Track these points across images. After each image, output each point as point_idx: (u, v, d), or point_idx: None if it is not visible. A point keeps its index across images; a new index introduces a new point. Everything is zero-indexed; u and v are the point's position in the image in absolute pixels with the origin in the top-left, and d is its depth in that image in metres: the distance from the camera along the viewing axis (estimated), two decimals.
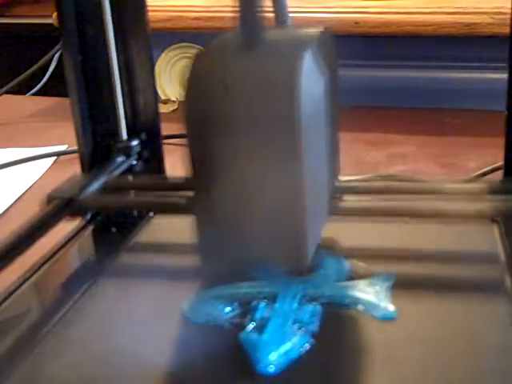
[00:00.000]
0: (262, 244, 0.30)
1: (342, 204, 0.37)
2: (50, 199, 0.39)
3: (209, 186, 0.30)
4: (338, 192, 0.37)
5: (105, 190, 0.42)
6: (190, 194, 0.37)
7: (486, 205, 0.37)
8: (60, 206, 0.39)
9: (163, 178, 0.45)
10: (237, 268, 0.34)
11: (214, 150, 0.29)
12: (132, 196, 0.42)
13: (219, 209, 0.30)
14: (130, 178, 0.44)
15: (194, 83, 0.29)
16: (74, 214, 0.40)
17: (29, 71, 0.81)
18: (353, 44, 0.75)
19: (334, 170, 0.37)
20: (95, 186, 0.41)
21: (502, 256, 0.36)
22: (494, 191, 0.38)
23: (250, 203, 0.30)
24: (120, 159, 0.44)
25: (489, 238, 0.38)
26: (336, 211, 0.36)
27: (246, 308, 0.32)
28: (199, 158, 0.30)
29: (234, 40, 0.30)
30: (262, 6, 0.29)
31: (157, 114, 0.45)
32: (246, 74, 0.29)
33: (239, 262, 0.32)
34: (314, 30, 0.32)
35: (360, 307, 0.32)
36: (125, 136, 0.45)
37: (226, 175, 0.30)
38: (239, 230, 0.30)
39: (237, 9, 0.29)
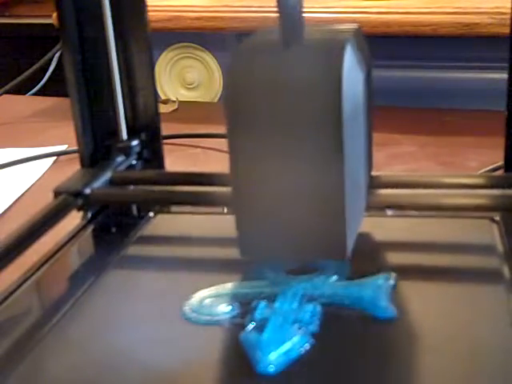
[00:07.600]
0: (303, 238, 0.31)
1: None
2: (57, 193, 0.40)
3: (250, 182, 0.30)
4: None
5: (111, 184, 0.42)
6: (196, 187, 0.40)
7: (486, 198, 0.37)
8: (67, 199, 0.39)
9: (169, 172, 0.45)
10: (276, 260, 0.34)
11: (256, 147, 0.30)
12: (138, 189, 0.43)
13: (259, 204, 0.31)
14: (136, 172, 0.45)
15: (235, 81, 0.30)
16: (81, 207, 0.41)
17: (29, 71, 0.81)
18: None
19: (369, 166, 0.38)
20: (101, 180, 0.42)
21: (502, 251, 0.36)
22: (494, 185, 0.38)
23: (291, 199, 0.30)
24: (120, 159, 0.44)
25: (488, 232, 0.38)
26: None
27: (246, 308, 0.32)
28: (241, 155, 0.30)
29: (273, 37, 0.30)
30: (302, 5, 0.29)
31: (157, 114, 0.45)
32: (287, 71, 0.29)
33: (279, 255, 0.33)
34: (348, 27, 0.32)
35: (360, 307, 0.32)
36: (125, 136, 0.45)
37: (267, 172, 0.30)
38: (280, 224, 0.31)
39: (277, 6, 0.29)
